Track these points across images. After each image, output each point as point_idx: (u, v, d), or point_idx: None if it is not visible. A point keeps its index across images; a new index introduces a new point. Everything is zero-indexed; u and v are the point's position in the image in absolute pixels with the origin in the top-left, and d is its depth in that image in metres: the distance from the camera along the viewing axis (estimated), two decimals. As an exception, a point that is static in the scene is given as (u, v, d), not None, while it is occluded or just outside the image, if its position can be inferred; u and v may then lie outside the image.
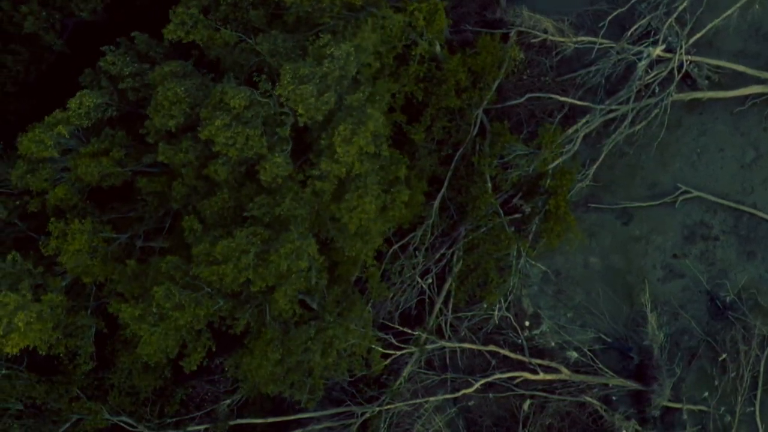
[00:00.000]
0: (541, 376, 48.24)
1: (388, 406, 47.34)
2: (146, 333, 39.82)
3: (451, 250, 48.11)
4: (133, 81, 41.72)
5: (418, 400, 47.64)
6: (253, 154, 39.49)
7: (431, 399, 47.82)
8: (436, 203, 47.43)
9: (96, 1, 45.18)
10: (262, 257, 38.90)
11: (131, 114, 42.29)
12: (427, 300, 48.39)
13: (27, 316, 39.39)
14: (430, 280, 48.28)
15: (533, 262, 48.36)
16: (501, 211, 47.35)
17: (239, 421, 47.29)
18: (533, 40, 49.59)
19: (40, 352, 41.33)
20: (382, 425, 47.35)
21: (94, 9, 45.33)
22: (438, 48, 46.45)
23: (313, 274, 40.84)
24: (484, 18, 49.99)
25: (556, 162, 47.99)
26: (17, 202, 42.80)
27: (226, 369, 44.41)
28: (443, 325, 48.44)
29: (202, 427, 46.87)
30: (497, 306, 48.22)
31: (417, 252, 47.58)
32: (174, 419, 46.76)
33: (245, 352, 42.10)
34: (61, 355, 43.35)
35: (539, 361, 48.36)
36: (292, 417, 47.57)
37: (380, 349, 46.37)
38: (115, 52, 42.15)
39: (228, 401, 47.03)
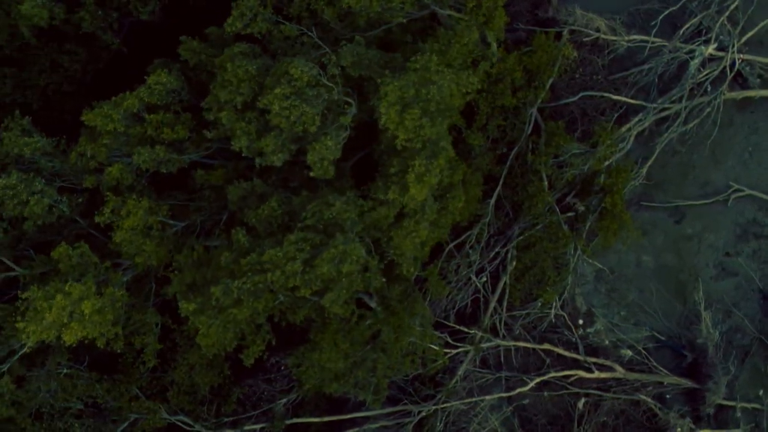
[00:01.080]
0: (596, 374, 48.27)
1: (445, 405, 47.34)
2: (204, 325, 39.78)
3: (505, 249, 48.16)
4: (208, 62, 41.89)
5: (474, 399, 47.65)
6: (302, 130, 39.39)
7: (487, 398, 47.83)
8: (492, 201, 47.45)
9: (154, 2, 45.13)
10: (310, 263, 38.79)
11: (196, 107, 42.32)
12: (481, 298, 48.45)
13: (92, 305, 39.55)
14: (484, 279, 48.30)
15: (590, 260, 48.31)
16: (558, 210, 47.36)
17: (295, 420, 47.30)
18: (585, 39, 49.64)
19: (99, 345, 41.40)
20: (438, 424, 47.34)
21: (152, 10, 45.28)
22: (494, 47, 46.48)
23: (371, 276, 40.75)
24: (536, 16, 50.03)
25: (610, 160, 48.02)
26: (80, 199, 42.85)
27: (290, 368, 44.30)
28: (497, 323, 48.46)
29: (258, 426, 46.87)
30: (552, 304, 48.22)
31: (472, 250, 47.59)
32: (231, 418, 46.78)
33: (310, 347, 41.94)
34: (124, 352, 43.45)
35: (594, 360, 48.38)
36: (348, 416, 47.61)
37: (436, 348, 46.33)
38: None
39: (284, 400, 47.02)
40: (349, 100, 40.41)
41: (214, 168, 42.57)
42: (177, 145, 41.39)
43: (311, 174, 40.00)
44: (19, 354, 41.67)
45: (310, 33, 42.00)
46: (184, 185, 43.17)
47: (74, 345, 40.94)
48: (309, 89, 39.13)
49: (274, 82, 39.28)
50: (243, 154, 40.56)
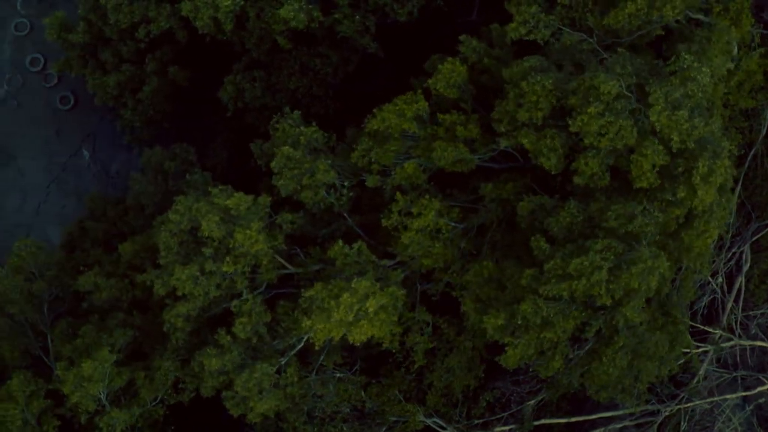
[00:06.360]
0: (831, 372, 48.90)
1: (688, 404, 47.64)
2: (511, 345, 39.97)
3: (740, 249, 48.66)
4: (496, 62, 42.10)
5: (717, 398, 48.01)
6: (623, 145, 39.40)
7: (730, 397, 48.21)
8: (733, 203, 47.85)
9: (412, 3, 45.18)
10: (614, 272, 38.88)
11: (480, 106, 42.53)
12: (718, 298, 48.88)
13: (377, 302, 39.71)
14: (720, 279, 48.75)
15: None
16: (801, 209, 48.04)
17: (543, 421, 47.47)
18: (809, 44, 50.09)
19: (384, 346, 41.78)
20: (683, 423, 47.66)
21: (410, 11, 45.31)
22: (735, 50, 46.91)
23: (664, 288, 41.08)
24: (761, 19, 50.40)
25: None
26: (351, 194, 42.80)
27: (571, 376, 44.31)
28: (733, 323, 48.93)
29: (507, 428, 46.98)
30: (788, 303, 48.87)
31: (714, 251, 48.04)
32: (481, 420, 46.88)
33: (594, 357, 42.03)
34: (396, 351, 43.47)
35: (830, 358, 49.02)
36: (595, 416, 47.83)
37: (688, 350, 46.69)
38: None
39: (532, 402, 47.15)
40: (641, 106, 40.42)
41: (499, 176, 42.54)
42: (469, 143, 41.36)
43: (638, 185, 39.72)
44: (297, 349, 41.83)
45: (590, 39, 42.09)
46: (465, 185, 43.07)
47: (356, 345, 41.30)
48: (617, 102, 39.14)
49: (581, 101, 39.12)
50: (553, 173, 40.60)
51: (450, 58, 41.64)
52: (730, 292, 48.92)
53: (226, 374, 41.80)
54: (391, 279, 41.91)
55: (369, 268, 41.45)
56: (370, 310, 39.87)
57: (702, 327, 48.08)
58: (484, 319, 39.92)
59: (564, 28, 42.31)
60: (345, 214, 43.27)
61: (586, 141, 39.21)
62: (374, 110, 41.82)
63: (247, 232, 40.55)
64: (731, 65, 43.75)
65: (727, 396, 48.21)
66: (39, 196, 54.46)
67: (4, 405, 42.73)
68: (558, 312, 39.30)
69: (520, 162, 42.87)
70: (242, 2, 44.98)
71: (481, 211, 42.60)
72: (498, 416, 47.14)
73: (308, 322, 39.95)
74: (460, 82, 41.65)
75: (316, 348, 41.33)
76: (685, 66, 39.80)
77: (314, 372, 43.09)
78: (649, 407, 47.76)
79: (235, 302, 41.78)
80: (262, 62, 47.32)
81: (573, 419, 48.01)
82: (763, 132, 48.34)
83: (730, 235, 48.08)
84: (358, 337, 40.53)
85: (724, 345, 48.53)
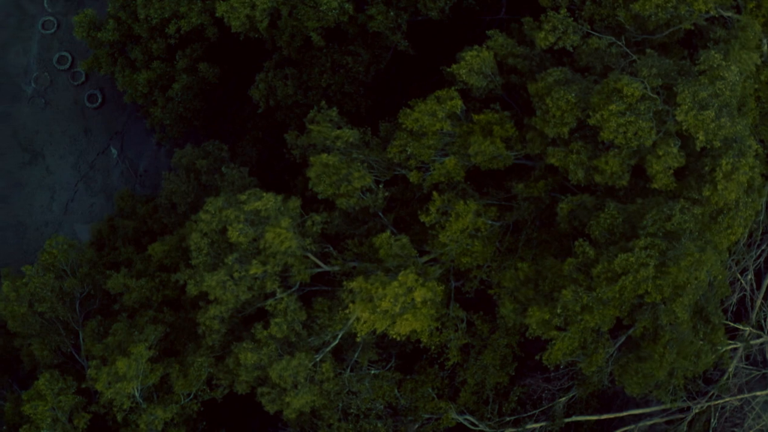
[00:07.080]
0: None
1: (720, 401, 47.65)
2: (558, 339, 39.95)
3: (769, 247, 48.78)
4: (522, 60, 42.05)
5: (746, 395, 48.02)
6: (637, 145, 39.62)
7: (760, 394, 48.21)
8: (764, 200, 47.85)
9: (444, 0, 45.23)
10: (660, 269, 38.98)
11: (506, 104, 42.59)
12: (748, 295, 48.89)
13: (423, 294, 39.79)
14: (750, 276, 48.78)
15: None
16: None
17: (575, 418, 47.50)
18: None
19: (423, 341, 42.15)
20: (713, 420, 47.69)
21: (442, 8, 45.33)
22: (765, 47, 46.92)
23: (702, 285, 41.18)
24: (790, 16, 50.50)
25: None
26: (386, 193, 42.78)
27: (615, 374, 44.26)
28: (763, 320, 48.93)
29: (538, 425, 47.01)
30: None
31: (743, 248, 48.05)
32: (512, 417, 46.88)
33: (640, 356, 41.96)
34: (431, 346, 43.49)
35: None
36: (625, 413, 47.84)
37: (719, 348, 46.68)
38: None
39: (564, 399, 47.17)
40: (668, 107, 40.52)
41: (530, 173, 42.57)
42: (505, 140, 41.39)
43: (653, 186, 40.00)
44: (332, 346, 41.90)
45: (619, 42, 42.09)
46: (501, 183, 43.11)
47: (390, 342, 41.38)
48: (640, 103, 39.33)
49: (603, 101, 39.33)
50: (582, 185, 40.77)
51: (476, 46, 41.66)
52: (759, 289, 48.97)
53: (262, 369, 41.77)
54: (430, 274, 41.95)
55: (410, 263, 41.51)
56: (418, 299, 39.94)
57: (732, 324, 48.09)
58: (527, 314, 39.92)
59: (593, 32, 42.31)
60: (380, 213, 43.32)
61: (603, 135, 39.39)
62: (410, 102, 41.90)
63: (277, 229, 40.46)
64: (759, 61, 43.75)
65: (757, 393, 48.23)
66: (67, 194, 54.61)
67: (34, 402, 42.79)
68: (597, 300, 39.25)
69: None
70: (278, -2, 45.10)
71: (515, 209, 42.68)
72: (529, 413, 47.18)
73: (355, 308, 40.09)
74: (485, 70, 41.61)
75: (357, 339, 41.39)
76: (715, 65, 39.94)
77: (349, 369, 43.18)
78: (680, 404, 47.82)
79: (270, 301, 41.76)
80: (293, 60, 47.38)
81: (604, 416, 48.02)
82: (792, 129, 48.38)
83: (760, 232, 48.12)
84: (402, 329, 40.52)
85: (753, 342, 48.55)
